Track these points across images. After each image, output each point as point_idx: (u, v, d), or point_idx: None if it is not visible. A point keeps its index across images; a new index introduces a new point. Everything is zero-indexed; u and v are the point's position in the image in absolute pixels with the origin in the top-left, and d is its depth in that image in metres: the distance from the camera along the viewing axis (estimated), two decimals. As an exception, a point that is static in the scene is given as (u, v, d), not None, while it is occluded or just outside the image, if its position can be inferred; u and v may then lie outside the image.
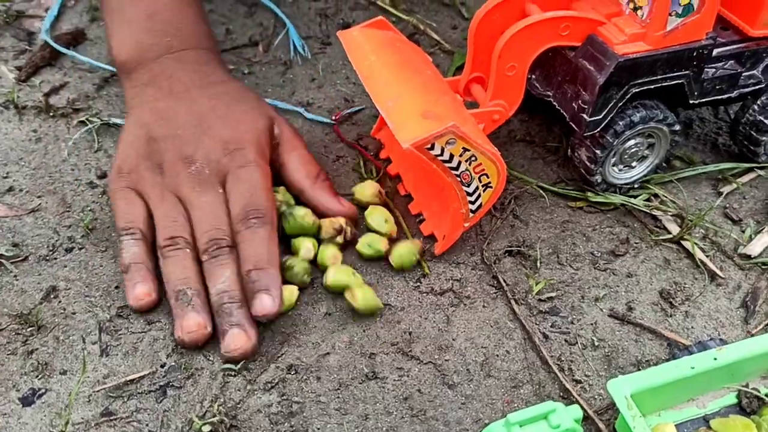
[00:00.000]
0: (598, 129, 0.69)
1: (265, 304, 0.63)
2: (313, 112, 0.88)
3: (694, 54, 0.67)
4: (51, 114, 0.86)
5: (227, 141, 0.71)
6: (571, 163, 0.78)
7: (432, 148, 0.61)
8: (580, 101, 0.68)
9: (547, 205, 0.78)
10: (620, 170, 0.76)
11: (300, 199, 0.74)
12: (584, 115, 0.68)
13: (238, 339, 0.62)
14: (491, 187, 0.68)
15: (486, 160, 0.65)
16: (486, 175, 0.66)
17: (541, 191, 0.79)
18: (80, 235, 0.73)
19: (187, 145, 0.70)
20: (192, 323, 0.62)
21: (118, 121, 0.85)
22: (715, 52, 0.69)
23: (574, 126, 0.70)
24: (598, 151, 0.72)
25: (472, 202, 0.68)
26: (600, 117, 0.68)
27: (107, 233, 0.73)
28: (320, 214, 0.72)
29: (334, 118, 0.86)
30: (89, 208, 0.76)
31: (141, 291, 0.65)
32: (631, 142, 0.73)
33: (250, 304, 0.63)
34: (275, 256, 0.66)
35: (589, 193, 0.77)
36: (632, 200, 0.77)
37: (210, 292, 0.65)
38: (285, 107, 0.87)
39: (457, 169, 0.64)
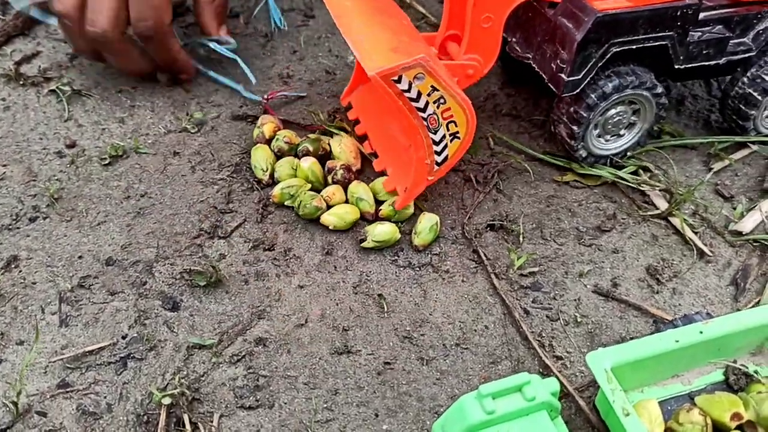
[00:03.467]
0: (577, 90, 0.67)
1: None
2: (293, 84, 0.86)
3: (678, 14, 0.65)
4: (21, 83, 0.83)
5: None
6: (555, 139, 0.76)
7: (399, 81, 0.58)
8: (558, 61, 0.66)
9: (531, 179, 0.75)
10: (607, 140, 0.73)
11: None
12: (562, 75, 0.65)
13: None
14: (459, 138, 0.65)
15: (455, 105, 0.62)
16: (454, 122, 0.63)
17: (526, 165, 0.76)
18: (45, 204, 0.70)
19: None
20: None
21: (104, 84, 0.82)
22: (701, 15, 0.67)
23: (552, 87, 0.67)
24: (574, 127, 0.69)
25: (438, 153, 0.65)
26: (579, 77, 0.65)
27: (73, 203, 0.70)
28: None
29: (265, 97, 0.81)
30: (56, 178, 0.73)
31: None
32: (612, 111, 0.70)
33: None
34: None
35: (575, 165, 0.75)
36: (619, 172, 0.74)
37: None
38: (225, 82, 0.85)
39: (424, 110, 0.61)
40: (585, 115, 0.68)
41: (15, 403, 0.54)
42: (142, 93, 0.83)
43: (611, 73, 0.67)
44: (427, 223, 0.68)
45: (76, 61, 0.87)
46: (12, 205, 0.70)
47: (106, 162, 0.75)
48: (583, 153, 0.72)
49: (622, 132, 0.73)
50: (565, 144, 0.73)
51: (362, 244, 0.67)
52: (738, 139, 0.79)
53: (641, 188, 0.74)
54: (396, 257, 0.67)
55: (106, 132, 0.78)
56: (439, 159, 0.65)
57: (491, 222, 0.71)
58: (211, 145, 0.77)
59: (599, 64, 0.65)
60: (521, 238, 0.70)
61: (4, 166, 0.74)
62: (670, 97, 0.71)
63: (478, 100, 0.84)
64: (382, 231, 0.67)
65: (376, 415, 0.56)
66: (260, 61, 0.89)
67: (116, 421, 0.54)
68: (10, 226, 0.68)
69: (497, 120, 0.82)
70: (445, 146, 0.64)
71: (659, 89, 0.69)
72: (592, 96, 0.67)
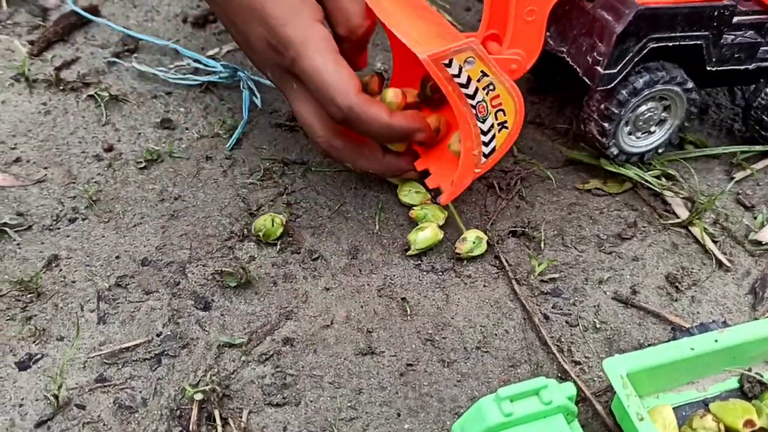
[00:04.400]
0: (612, 83, 0.67)
1: None
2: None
3: (715, 14, 0.66)
4: (61, 88, 0.86)
5: None
6: (585, 138, 0.76)
7: (449, 65, 0.59)
8: (595, 53, 0.67)
9: (554, 187, 0.77)
10: (638, 138, 0.74)
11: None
12: (598, 68, 0.66)
13: None
14: (507, 128, 0.65)
15: (504, 92, 0.63)
16: (503, 111, 0.64)
17: (548, 173, 0.78)
18: (84, 206, 0.73)
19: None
20: None
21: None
22: (735, 19, 0.68)
23: (587, 80, 0.68)
24: (605, 124, 0.70)
25: (486, 144, 0.65)
26: (615, 71, 0.66)
27: (111, 205, 0.73)
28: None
29: None
30: (94, 180, 0.76)
31: None
32: (643, 107, 0.71)
33: None
34: None
35: (603, 161, 0.76)
36: (644, 174, 0.75)
37: None
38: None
39: (473, 97, 0.61)
40: (616, 111, 0.69)
41: (56, 396, 0.57)
42: (176, 99, 0.86)
43: (641, 69, 0.68)
44: (472, 234, 0.69)
45: (113, 68, 0.90)
46: (53, 206, 0.73)
47: (142, 166, 0.78)
48: (614, 150, 0.73)
49: (653, 129, 0.74)
50: (595, 142, 0.73)
51: (407, 253, 0.69)
52: (760, 148, 0.80)
53: (663, 196, 0.75)
54: (419, 262, 0.69)
55: (142, 136, 0.81)
56: (486, 150, 0.66)
57: (513, 228, 0.72)
58: (242, 150, 0.80)
59: (635, 59, 0.66)
60: (542, 245, 0.71)
61: (45, 168, 0.77)
62: (688, 78, 0.71)
63: (503, 108, 0.86)
64: (424, 237, 0.69)
65: (398, 415, 0.58)
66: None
67: (151, 414, 0.57)
68: (51, 227, 0.71)
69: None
70: (493, 137, 0.65)
71: (690, 84, 0.70)
72: (623, 92, 0.68)
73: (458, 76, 0.60)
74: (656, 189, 0.75)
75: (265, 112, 0.85)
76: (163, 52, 0.92)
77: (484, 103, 0.62)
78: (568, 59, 0.71)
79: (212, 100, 0.86)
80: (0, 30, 0.95)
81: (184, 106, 0.85)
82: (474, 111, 0.63)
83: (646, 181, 0.75)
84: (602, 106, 0.70)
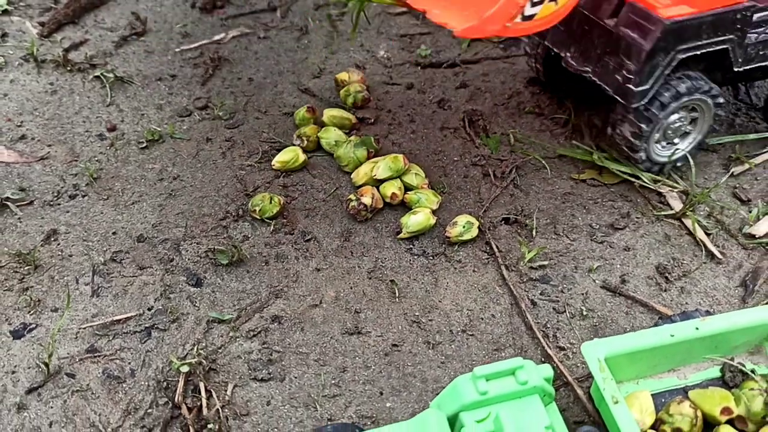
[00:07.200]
0: (646, 99, 0.67)
1: None
2: (322, 81, 0.89)
3: (738, 16, 0.66)
4: (68, 68, 0.88)
5: None
6: (612, 141, 0.76)
7: None
8: (624, 72, 0.66)
9: (549, 176, 0.77)
10: (663, 147, 0.74)
11: None
12: (631, 86, 0.66)
13: None
14: (556, 2, 0.58)
15: None
16: None
17: (544, 162, 0.78)
18: (85, 183, 0.75)
19: None
20: None
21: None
22: (755, 16, 0.68)
23: (619, 99, 0.68)
24: (643, 125, 0.70)
25: (533, 4, 0.56)
26: (647, 86, 0.66)
27: (111, 183, 0.75)
28: None
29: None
30: (96, 159, 0.77)
31: None
32: (675, 116, 0.71)
33: None
34: None
35: (595, 156, 0.76)
36: (640, 173, 0.75)
37: None
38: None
39: None
40: (657, 113, 0.69)
41: (47, 364, 0.58)
42: (180, 81, 0.87)
43: (683, 75, 0.69)
44: (463, 219, 0.70)
45: (120, 50, 0.92)
46: (54, 182, 0.75)
47: (143, 146, 0.79)
48: (642, 155, 0.73)
49: (675, 140, 0.74)
50: (625, 144, 0.73)
51: (399, 236, 0.70)
52: (753, 136, 0.80)
53: (658, 189, 0.75)
54: (411, 246, 0.70)
55: (145, 117, 0.83)
56: (528, 12, 0.57)
57: (506, 216, 0.73)
58: (241, 133, 0.81)
59: (666, 72, 0.66)
60: (534, 233, 0.72)
61: (49, 146, 0.79)
62: (721, 93, 0.72)
63: (503, 98, 0.86)
64: (416, 221, 0.69)
65: (381, 393, 0.59)
66: (293, 53, 0.92)
67: (138, 385, 0.58)
68: (52, 202, 0.73)
69: (520, 117, 0.84)
70: (541, 2, 0.57)
71: (721, 99, 0.71)
72: (666, 95, 0.68)
73: None
74: (650, 186, 0.75)
75: (267, 95, 0.86)
76: (169, 36, 0.93)
77: None
78: (594, 79, 0.70)
79: (215, 83, 0.87)
80: (12, 11, 0.97)
81: (188, 89, 0.87)
82: None
83: (639, 177, 0.75)
84: (641, 108, 0.69)
